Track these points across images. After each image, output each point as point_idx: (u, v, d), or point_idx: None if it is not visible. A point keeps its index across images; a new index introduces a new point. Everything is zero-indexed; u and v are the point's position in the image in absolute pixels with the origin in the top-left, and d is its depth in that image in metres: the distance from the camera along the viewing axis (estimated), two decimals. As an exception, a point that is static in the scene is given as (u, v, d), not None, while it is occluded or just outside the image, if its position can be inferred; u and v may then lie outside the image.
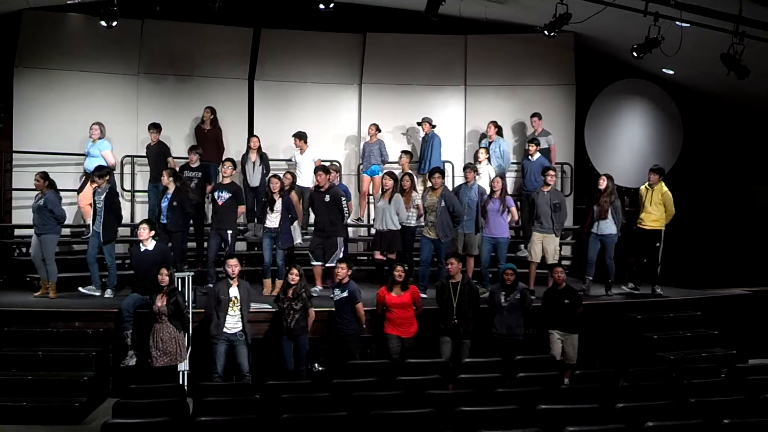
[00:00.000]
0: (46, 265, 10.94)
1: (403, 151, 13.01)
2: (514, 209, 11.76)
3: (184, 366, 9.65)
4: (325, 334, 10.09)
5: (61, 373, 9.44)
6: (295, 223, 11.51)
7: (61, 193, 11.28)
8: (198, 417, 6.89)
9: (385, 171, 12.17)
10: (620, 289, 11.97)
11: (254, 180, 12.59)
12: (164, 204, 11.22)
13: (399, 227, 11.37)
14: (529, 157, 12.98)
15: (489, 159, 12.77)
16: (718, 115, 14.41)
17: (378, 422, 6.69)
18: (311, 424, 6.68)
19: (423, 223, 11.48)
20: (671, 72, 13.59)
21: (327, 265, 11.22)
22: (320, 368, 9.81)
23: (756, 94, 12.34)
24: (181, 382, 9.52)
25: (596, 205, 11.60)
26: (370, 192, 13.45)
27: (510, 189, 13.01)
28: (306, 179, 12.60)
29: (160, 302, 9.36)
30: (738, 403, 7.25)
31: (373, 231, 12.26)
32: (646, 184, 11.94)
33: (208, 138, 13.03)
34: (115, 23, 10.19)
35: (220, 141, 13.17)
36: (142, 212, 13.09)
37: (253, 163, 12.72)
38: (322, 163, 12.42)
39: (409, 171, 12.31)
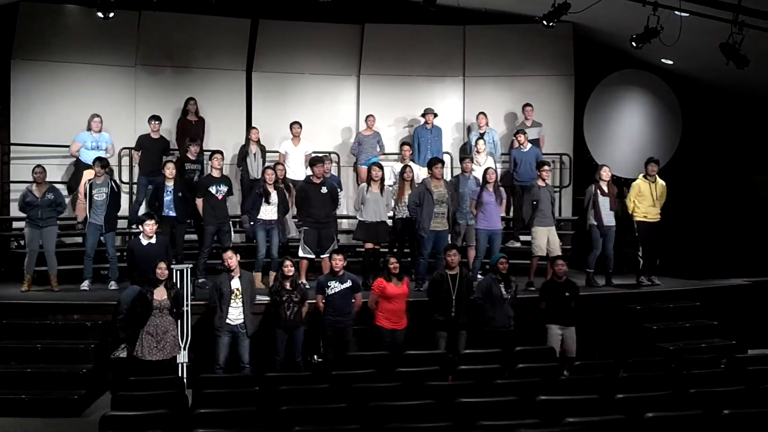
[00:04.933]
0: (47, 257, 10.94)
1: (406, 143, 13.00)
2: (506, 200, 11.77)
3: (183, 358, 9.65)
4: (317, 326, 10.00)
5: (60, 366, 9.44)
6: (288, 216, 11.47)
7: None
8: (197, 409, 6.89)
9: (372, 162, 12.17)
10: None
11: (257, 172, 12.54)
12: (168, 197, 11.15)
13: (387, 218, 11.39)
14: (521, 147, 12.93)
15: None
16: (718, 105, 14.37)
17: (377, 414, 6.68)
18: (310, 415, 6.66)
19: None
20: (670, 62, 13.55)
21: (322, 257, 11.17)
22: (319, 360, 9.80)
23: (755, 83, 12.31)
24: (180, 374, 9.51)
25: (604, 195, 11.56)
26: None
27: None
28: (297, 172, 12.57)
29: (159, 296, 9.31)
30: (738, 393, 7.25)
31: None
32: (642, 176, 11.92)
33: (196, 130, 12.97)
34: (112, 15, 10.09)
35: (203, 131, 13.15)
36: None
37: (254, 154, 12.69)
38: (316, 155, 12.37)
39: (410, 163, 12.29)
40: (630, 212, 11.87)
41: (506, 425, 6.37)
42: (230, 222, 11.48)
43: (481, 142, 12.76)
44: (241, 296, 9.54)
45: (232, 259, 9.65)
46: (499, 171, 13.32)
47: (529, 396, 7.01)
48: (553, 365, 8.62)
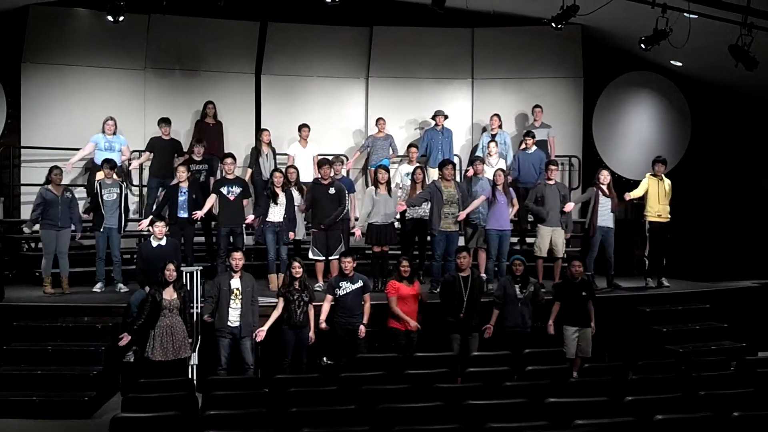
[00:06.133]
0: (60, 259, 10.98)
1: (413, 145, 13.01)
2: (515, 201, 11.79)
3: (193, 360, 9.67)
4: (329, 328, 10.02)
5: (70, 368, 9.46)
6: (298, 219, 11.50)
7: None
8: (207, 411, 6.91)
9: (379, 165, 12.18)
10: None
11: (269, 173, 12.54)
12: (182, 198, 11.19)
13: (395, 220, 11.45)
14: (526, 149, 12.90)
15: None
16: (727, 107, 14.33)
17: (386, 416, 6.68)
18: (319, 417, 6.68)
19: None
20: (679, 64, 13.53)
21: (330, 258, 11.18)
22: (329, 362, 9.79)
23: (765, 85, 12.28)
24: (190, 376, 9.53)
25: (605, 196, 11.55)
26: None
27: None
28: (305, 174, 12.59)
29: (169, 296, 9.32)
30: (747, 395, 7.23)
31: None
32: (650, 174, 11.92)
33: (212, 132, 13.02)
34: (121, 18, 10.18)
35: (222, 135, 13.20)
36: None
37: (266, 155, 12.73)
38: (325, 157, 12.38)
39: (420, 164, 12.30)
40: (636, 199, 11.86)
41: (515, 427, 6.38)
42: (243, 225, 11.48)
43: (492, 144, 12.75)
44: (240, 297, 9.56)
45: (241, 260, 9.68)
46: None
47: (538, 398, 7.00)
48: (563, 367, 8.62)
